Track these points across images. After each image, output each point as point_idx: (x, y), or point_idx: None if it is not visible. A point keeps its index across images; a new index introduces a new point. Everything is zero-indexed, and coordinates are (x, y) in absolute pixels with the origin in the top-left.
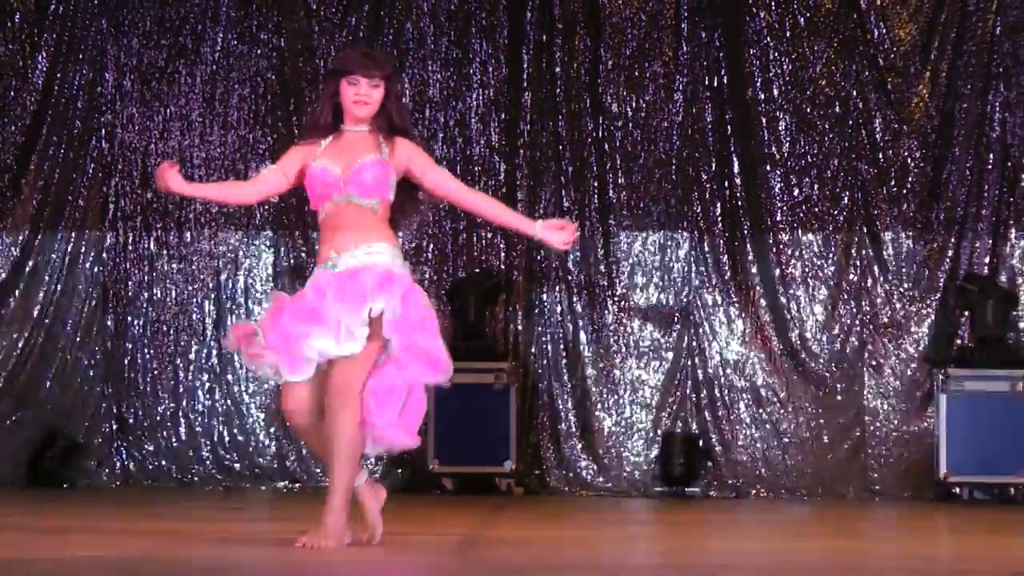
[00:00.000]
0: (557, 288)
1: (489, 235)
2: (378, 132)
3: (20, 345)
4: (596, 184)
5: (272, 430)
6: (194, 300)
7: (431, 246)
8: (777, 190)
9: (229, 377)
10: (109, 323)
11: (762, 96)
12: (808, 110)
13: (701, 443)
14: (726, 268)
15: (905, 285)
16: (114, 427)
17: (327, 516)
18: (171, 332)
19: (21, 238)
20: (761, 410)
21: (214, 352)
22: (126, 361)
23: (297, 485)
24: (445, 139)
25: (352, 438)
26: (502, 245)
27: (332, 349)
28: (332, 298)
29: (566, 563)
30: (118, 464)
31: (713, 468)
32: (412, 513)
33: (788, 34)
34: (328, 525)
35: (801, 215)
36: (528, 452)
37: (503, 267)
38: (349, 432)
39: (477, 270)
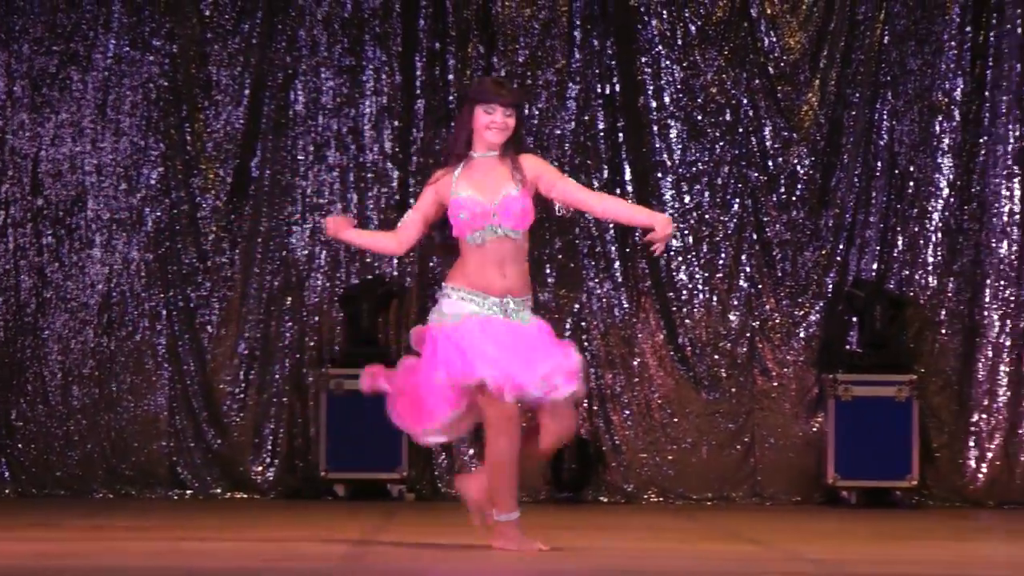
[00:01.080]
0: None
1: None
2: (507, 157)
3: None
4: None
5: (165, 443)
6: (84, 307)
7: (324, 253)
8: (668, 197)
9: (113, 387)
10: None
11: (653, 104)
12: (699, 118)
13: (592, 448)
14: (618, 273)
15: (794, 291)
16: (2, 433)
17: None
18: (60, 339)
19: None
20: (652, 415)
21: (102, 359)
22: (15, 368)
23: (187, 493)
24: (338, 146)
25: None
26: None
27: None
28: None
29: (455, 569)
30: (7, 472)
31: (604, 473)
32: (303, 519)
33: (679, 42)
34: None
35: (692, 222)
36: (420, 458)
37: (396, 274)
38: None
39: (370, 277)
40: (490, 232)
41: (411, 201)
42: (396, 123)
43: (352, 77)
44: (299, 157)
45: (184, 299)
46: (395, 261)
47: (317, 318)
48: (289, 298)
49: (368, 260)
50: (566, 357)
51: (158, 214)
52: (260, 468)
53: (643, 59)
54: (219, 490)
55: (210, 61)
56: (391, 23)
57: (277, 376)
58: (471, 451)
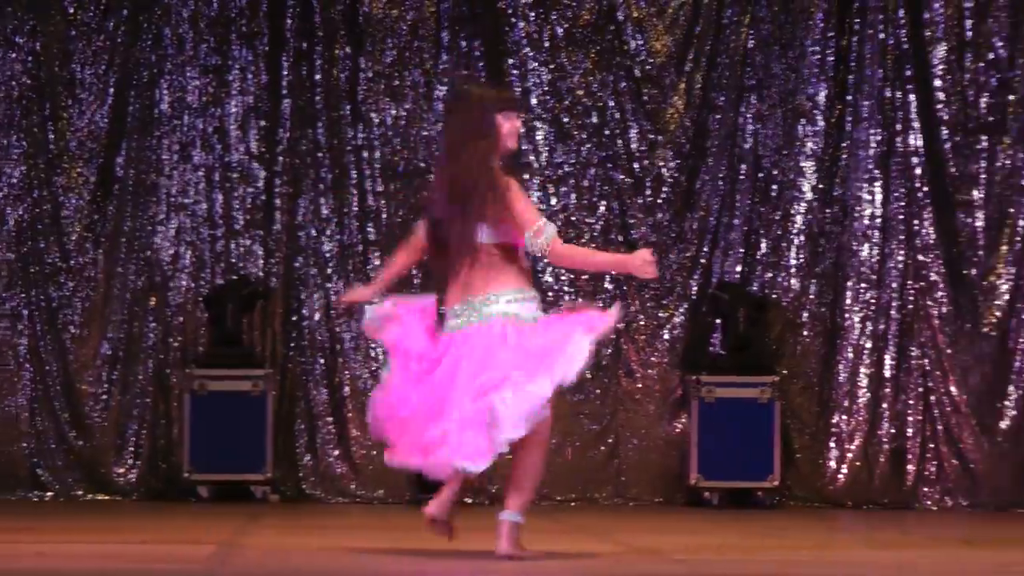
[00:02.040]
0: (316, 296)
1: (247, 242)
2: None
3: None
4: (356, 192)
5: (26, 444)
6: None
7: (188, 253)
8: (535, 199)
9: None
10: None
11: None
12: (566, 120)
13: None
14: None
15: (659, 293)
16: None
17: None
18: None
19: None
20: None
21: None
22: None
23: (48, 495)
24: (204, 145)
25: None
26: (260, 252)
27: None
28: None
29: (320, 571)
30: None
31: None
32: (165, 521)
33: (547, 44)
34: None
35: (558, 223)
36: (285, 459)
37: (261, 274)
38: None
39: (235, 277)
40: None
41: (276, 201)
42: (262, 123)
43: (218, 76)
44: (164, 156)
45: (46, 299)
46: (260, 262)
47: (181, 318)
48: (153, 298)
49: (233, 261)
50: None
51: (20, 213)
52: (123, 469)
53: (511, 61)
54: (81, 492)
55: (74, 59)
56: (258, 22)
57: (140, 377)
58: (336, 452)
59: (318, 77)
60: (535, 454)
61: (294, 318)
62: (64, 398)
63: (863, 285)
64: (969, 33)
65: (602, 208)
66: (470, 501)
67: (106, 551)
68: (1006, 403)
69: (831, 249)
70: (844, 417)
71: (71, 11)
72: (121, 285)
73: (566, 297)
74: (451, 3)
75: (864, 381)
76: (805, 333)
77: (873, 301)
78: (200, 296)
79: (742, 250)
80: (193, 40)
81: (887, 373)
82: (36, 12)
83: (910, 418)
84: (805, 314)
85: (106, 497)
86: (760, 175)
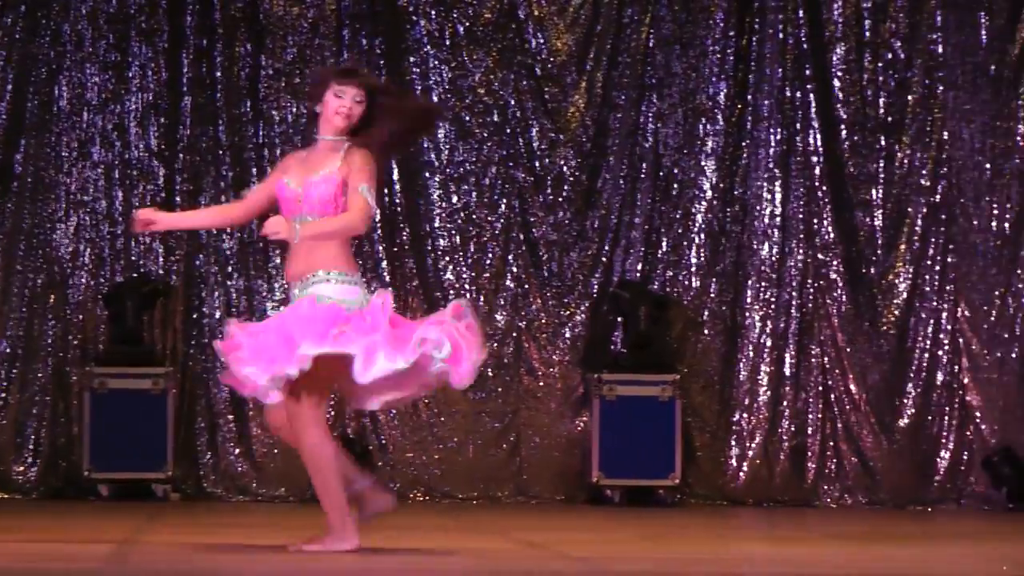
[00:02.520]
0: (216, 293)
1: (147, 240)
2: (342, 141)
3: None
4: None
5: None
6: None
7: (88, 250)
8: (436, 197)
9: None
10: None
11: None
12: (467, 118)
13: (358, 447)
14: (385, 272)
15: (560, 291)
16: None
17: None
18: None
19: None
20: (418, 414)
21: None
22: None
23: None
24: (103, 142)
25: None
26: (160, 250)
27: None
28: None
29: (217, 570)
30: None
31: (371, 471)
32: (65, 520)
33: (448, 42)
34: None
35: (459, 222)
36: (185, 458)
37: (161, 272)
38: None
39: (135, 275)
40: (299, 221)
41: (177, 199)
42: (162, 120)
43: (117, 73)
44: (63, 153)
45: None
46: (160, 259)
47: (81, 316)
48: (52, 296)
49: (133, 258)
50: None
51: None
52: (22, 468)
53: (411, 59)
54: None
55: None
56: (157, 19)
57: (40, 374)
58: (237, 450)
59: (218, 74)
60: (316, 480)
61: (194, 316)
62: None
63: (763, 284)
64: (867, 33)
65: (503, 207)
66: (423, 499)
67: (5, 550)
68: (905, 401)
69: (731, 248)
70: (745, 415)
71: None
72: (20, 283)
73: (466, 295)
74: (351, 1)
75: (764, 379)
76: (706, 331)
77: (773, 300)
78: (100, 294)
79: (643, 249)
80: (92, 36)
81: (787, 371)
82: None
83: (810, 416)
84: (706, 312)
85: (5, 496)
86: (661, 174)
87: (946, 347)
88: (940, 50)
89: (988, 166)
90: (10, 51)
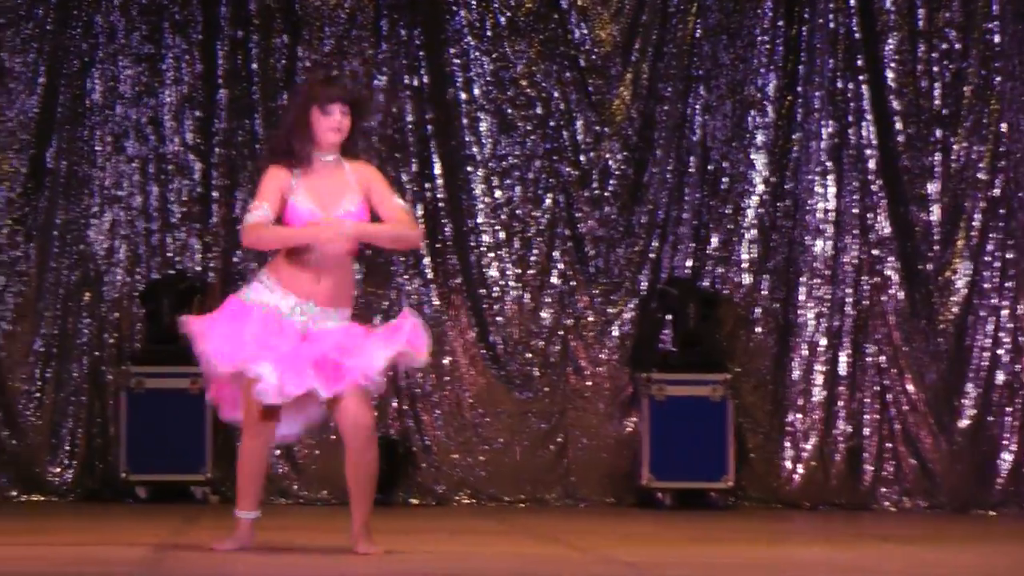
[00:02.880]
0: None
1: (184, 236)
2: (342, 163)
3: None
4: None
5: None
6: None
7: (123, 247)
8: (478, 192)
9: None
10: None
11: (463, 96)
12: (510, 111)
13: (402, 448)
14: (428, 270)
15: (607, 288)
16: None
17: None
18: None
19: None
20: (463, 414)
21: None
22: None
23: None
24: (137, 136)
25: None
26: (197, 246)
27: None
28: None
29: (256, 573)
30: None
31: (414, 474)
32: (101, 523)
33: (489, 33)
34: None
35: (503, 217)
36: (225, 459)
37: (198, 269)
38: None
39: (171, 272)
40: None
41: (214, 194)
42: (197, 113)
43: (151, 65)
44: (97, 148)
45: None
46: (197, 256)
47: (116, 314)
48: (87, 293)
49: (169, 255)
50: (368, 335)
51: None
52: (58, 469)
53: (451, 50)
54: (14, 493)
55: (2, 47)
56: (191, 10)
57: (75, 374)
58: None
59: (254, 66)
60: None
61: None
62: None
63: (816, 280)
64: (921, 22)
65: (548, 201)
66: (468, 501)
67: (38, 554)
68: (964, 401)
69: (783, 244)
70: (799, 416)
71: None
72: (54, 280)
73: (511, 292)
74: None
75: (819, 379)
76: (757, 330)
77: (827, 297)
78: (136, 291)
79: (692, 244)
80: (125, 28)
81: (842, 371)
82: None
83: (866, 417)
84: (757, 310)
85: (40, 498)
86: (709, 168)
87: (1006, 345)
88: (997, 40)
89: None
90: (41, 43)
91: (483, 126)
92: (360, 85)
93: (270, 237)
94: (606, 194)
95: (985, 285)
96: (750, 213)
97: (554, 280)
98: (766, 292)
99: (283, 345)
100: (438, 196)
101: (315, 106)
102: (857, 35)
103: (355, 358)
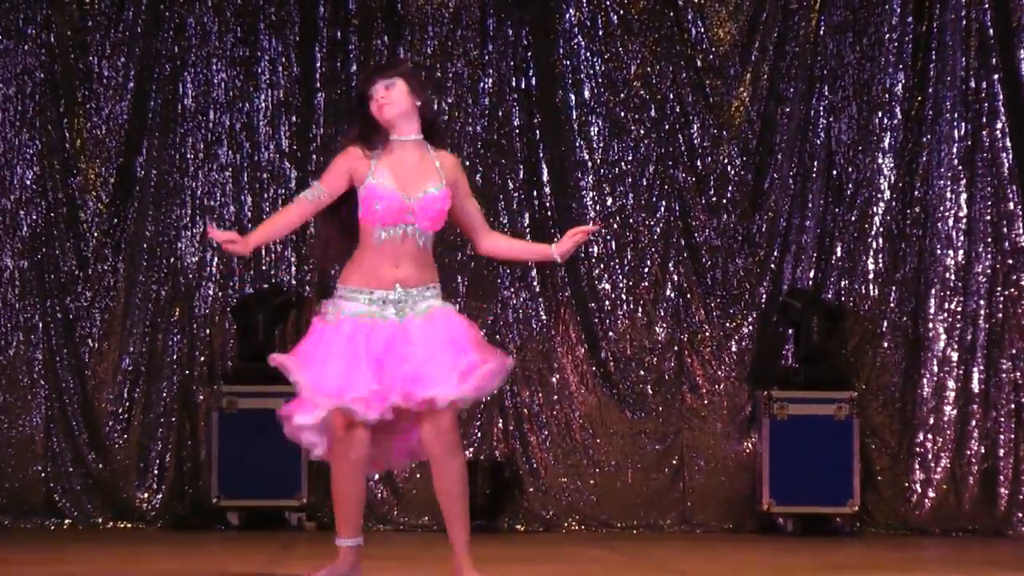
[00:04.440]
0: None
1: (279, 247)
2: (424, 142)
3: None
4: None
5: (41, 467)
6: None
7: (215, 260)
8: (589, 199)
9: None
10: None
11: (573, 99)
12: (622, 114)
13: (508, 471)
14: (535, 282)
15: (725, 301)
16: None
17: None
18: None
19: None
20: (572, 435)
21: None
22: None
23: (66, 522)
24: (231, 144)
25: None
26: (292, 259)
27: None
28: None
29: None
30: None
31: (521, 499)
32: (192, 551)
33: (600, 32)
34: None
35: (615, 226)
36: (321, 483)
37: (294, 282)
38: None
39: (265, 285)
40: (399, 230)
41: None
42: (294, 118)
43: (246, 69)
44: (188, 155)
45: (63, 310)
46: (292, 269)
47: (208, 331)
48: (177, 309)
49: (264, 268)
50: (457, 354)
51: (34, 217)
52: (146, 495)
53: (561, 50)
54: (100, 519)
55: (91, 51)
56: (288, 10)
57: (164, 394)
58: (376, 476)
59: (354, 69)
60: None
61: None
62: (82, 417)
63: (947, 292)
64: None
65: (662, 209)
66: (578, 528)
67: None
68: None
69: (912, 253)
70: (929, 436)
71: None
72: (143, 295)
73: (623, 306)
74: None
75: (950, 396)
76: (885, 344)
77: (959, 310)
78: (228, 306)
79: (815, 254)
80: (218, 30)
81: (975, 388)
82: (49, 1)
83: (1001, 437)
84: (885, 324)
85: (128, 524)
86: (834, 172)
87: None
88: None
89: None
90: (131, 47)
91: (594, 130)
92: (404, 61)
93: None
94: (724, 201)
95: None
96: (877, 221)
97: (669, 293)
98: (894, 305)
99: (370, 363)
100: (546, 204)
101: (365, 98)
102: (991, 31)
103: (430, 388)
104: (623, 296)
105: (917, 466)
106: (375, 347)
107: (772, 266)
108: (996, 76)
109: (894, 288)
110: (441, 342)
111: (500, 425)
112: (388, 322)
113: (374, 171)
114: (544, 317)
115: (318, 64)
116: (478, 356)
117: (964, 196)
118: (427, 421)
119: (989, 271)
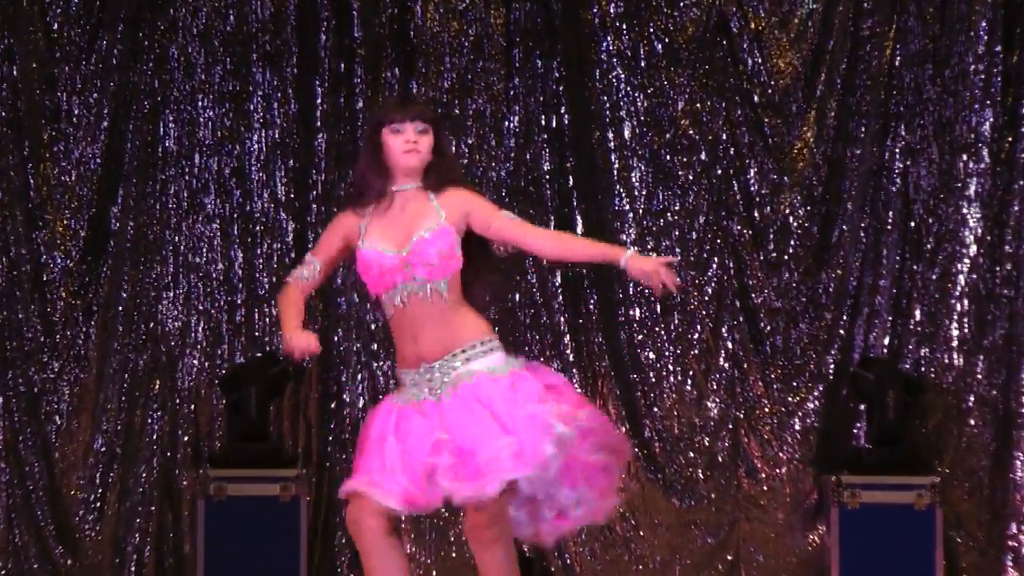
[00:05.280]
0: (359, 376)
1: (274, 311)
2: (428, 190)
3: None
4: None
5: (1, 563)
6: None
7: (201, 324)
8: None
9: None
10: None
11: (612, 139)
12: (667, 157)
13: (537, 568)
14: (568, 350)
15: (787, 372)
16: None
17: None
18: None
19: None
20: (612, 527)
21: None
22: None
23: None
24: (219, 191)
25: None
26: None
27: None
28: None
29: None
30: None
31: None
32: None
33: (643, 63)
34: None
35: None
36: None
37: None
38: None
39: (259, 354)
40: (399, 293)
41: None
42: (291, 162)
43: (236, 106)
44: (170, 205)
45: (26, 382)
46: None
47: (193, 406)
48: (158, 381)
49: (257, 334)
50: (501, 433)
51: None
52: None
53: (598, 84)
54: None
55: (59, 85)
56: (284, 39)
57: (143, 479)
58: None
59: (360, 106)
60: None
61: (332, 405)
62: (48, 506)
63: None
64: None
65: (714, 266)
66: None
67: None
68: None
69: (1002, 317)
70: (1023, 528)
71: (55, 27)
72: (118, 365)
73: (669, 378)
74: (523, 13)
75: None
76: (971, 422)
77: None
78: (216, 378)
79: (890, 318)
80: (205, 61)
81: None
82: (11, 29)
83: None
84: (971, 398)
85: None
86: (912, 224)
87: None
88: None
89: None
90: (105, 81)
91: (635, 176)
92: (435, 108)
93: (279, 306)
94: (785, 257)
95: None
96: (961, 280)
97: (722, 362)
98: (982, 376)
99: (394, 455)
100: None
101: (385, 127)
102: None
103: (467, 482)
104: (669, 366)
105: (1009, 562)
106: (405, 435)
107: (841, 331)
108: None
109: (981, 357)
110: (478, 422)
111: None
112: (423, 402)
113: (364, 233)
114: (579, 390)
115: (319, 100)
116: (534, 428)
117: None
118: (466, 512)
119: None
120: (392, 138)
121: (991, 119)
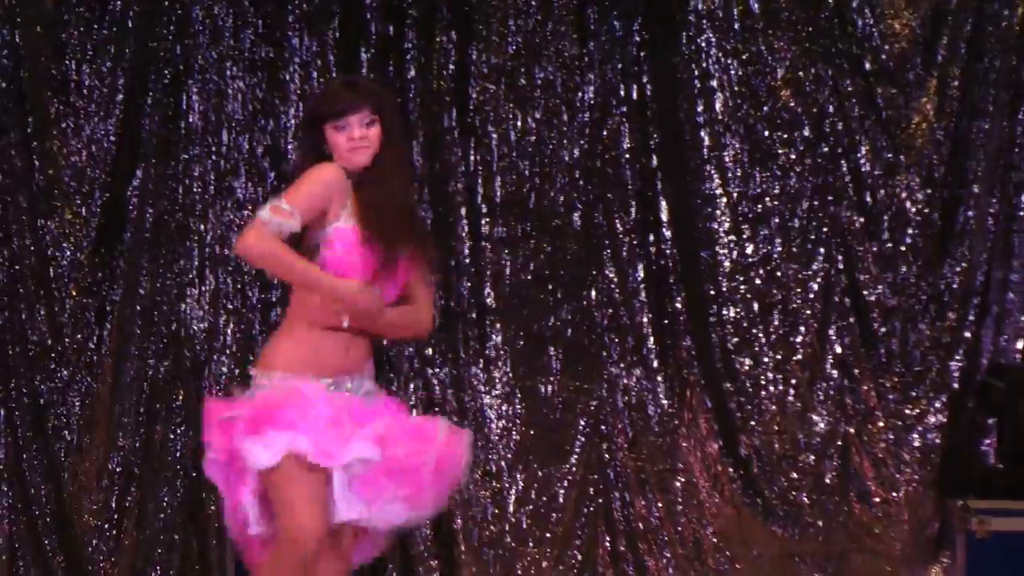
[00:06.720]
0: (412, 385)
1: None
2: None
3: None
4: (467, 238)
5: None
6: None
7: (231, 325)
8: (722, 247)
9: None
10: None
11: (701, 113)
12: (765, 133)
13: None
14: (653, 356)
15: (905, 381)
16: None
17: None
18: None
19: None
20: (704, 558)
21: None
22: None
23: None
24: (250, 172)
25: None
26: None
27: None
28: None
29: None
30: None
31: None
32: None
33: (737, 26)
34: None
35: (758, 283)
36: None
37: None
38: None
39: None
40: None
41: None
42: None
43: (270, 75)
44: (195, 189)
45: (31, 393)
46: None
47: None
48: (181, 391)
49: None
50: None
51: None
52: None
53: (684, 51)
54: None
55: (67, 53)
56: None
57: (165, 502)
58: None
59: (411, 75)
60: None
61: None
62: (56, 534)
63: None
64: None
65: (820, 259)
66: None
67: None
68: None
69: None
70: None
71: None
72: (136, 372)
73: (769, 387)
74: None
75: None
76: None
77: None
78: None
79: (1023, 318)
80: (233, 24)
81: None
82: None
83: None
84: None
85: None
86: None
87: None
88: None
89: None
90: (120, 47)
91: (728, 155)
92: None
93: (285, 261)
94: (902, 248)
95: None
96: None
97: (830, 370)
98: None
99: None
100: (665, 252)
101: (327, 124)
102: None
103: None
104: (769, 374)
105: None
106: None
107: (967, 334)
108: None
109: None
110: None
111: (608, 545)
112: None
113: (353, 211)
114: (665, 402)
115: (364, 69)
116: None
117: None
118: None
119: None
120: (335, 136)
121: None
